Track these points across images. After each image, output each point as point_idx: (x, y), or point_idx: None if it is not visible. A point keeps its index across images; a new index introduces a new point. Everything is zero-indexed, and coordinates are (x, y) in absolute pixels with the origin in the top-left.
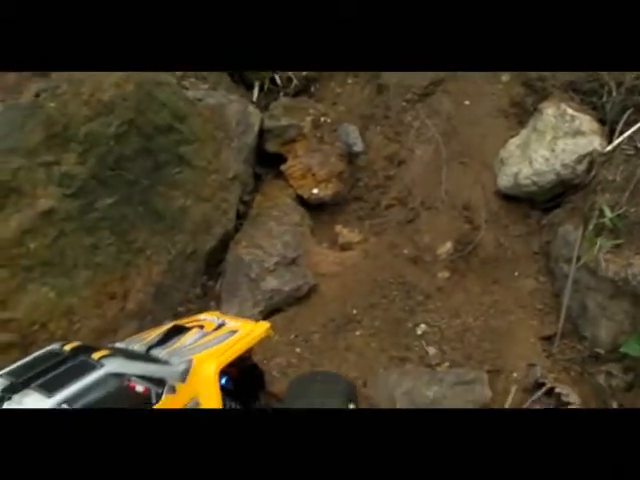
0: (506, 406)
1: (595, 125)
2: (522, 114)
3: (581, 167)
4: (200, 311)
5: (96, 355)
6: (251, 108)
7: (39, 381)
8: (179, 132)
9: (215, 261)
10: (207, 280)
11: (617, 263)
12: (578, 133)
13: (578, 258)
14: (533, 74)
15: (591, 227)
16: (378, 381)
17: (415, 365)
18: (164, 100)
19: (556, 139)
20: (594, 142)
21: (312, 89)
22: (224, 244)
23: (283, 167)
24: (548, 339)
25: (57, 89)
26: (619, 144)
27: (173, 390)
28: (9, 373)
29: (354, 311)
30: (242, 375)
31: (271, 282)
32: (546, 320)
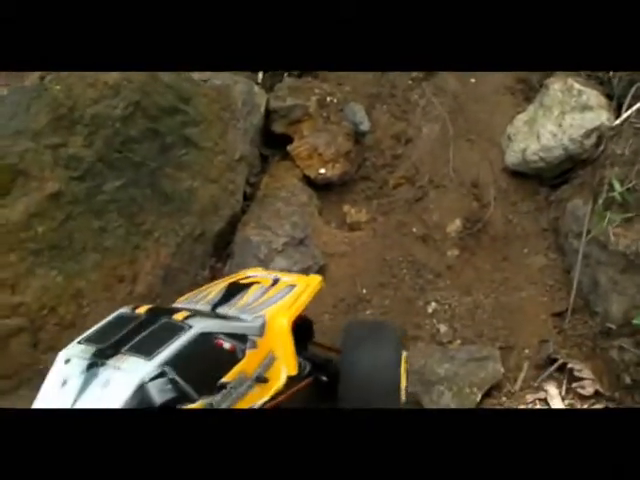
0: (519, 382)
1: (602, 100)
2: (528, 90)
3: (589, 142)
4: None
5: (178, 316)
6: (256, 89)
7: (129, 345)
8: (185, 113)
9: (223, 243)
10: (215, 262)
11: (627, 237)
12: (585, 108)
13: (588, 233)
14: None
15: (600, 201)
16: None
17: (426, 343)
18: (169, 81)
19: (563, 114)
20: (602, 116)
21: None
22: (232, 226)
23: (289, 148)
24: (559, 315)
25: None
26: (627, 118)
27: (254, 345)
28: (88, 340)
29: (364, 290)
30: (293, 326)
31: (280, 263)
32: (557, 296)
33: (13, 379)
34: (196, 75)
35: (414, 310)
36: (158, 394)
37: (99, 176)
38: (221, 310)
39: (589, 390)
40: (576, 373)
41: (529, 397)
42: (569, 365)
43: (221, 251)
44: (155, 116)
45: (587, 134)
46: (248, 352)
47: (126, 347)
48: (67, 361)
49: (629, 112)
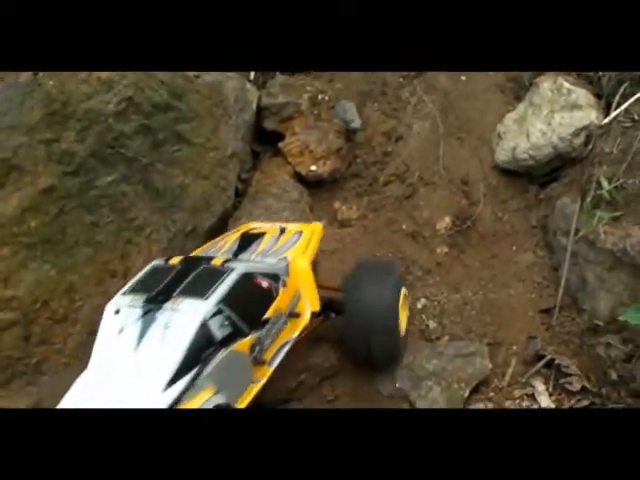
0: (507, 378)
1: (592, 99)
2: (519, 89)
3: (578, 140)
4: None
5: (216, 262)
6: (249, 85)
7: (179, 290)
8: (177, 109)
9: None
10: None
11: (615, 234)
12: (575, 107)
13: (576, 231)
14: None
15: (589, 199)
16: None
17: (416, 339)
18: (162, 77)
19: (553, 113)
20: (591, 115)
21: None
22: (223, 222)
23: (281, 144)
24: (547, 312)
25: None
26: (616, 117)
27: (285, 284)
28: (132, 291)
29: None
30: None
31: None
32: (545, 293)
33: (5, 372)
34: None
35: None
36: (218, 330)
37: (92, 171)
38: (243, 257)
39: (576, 386)
40: (563, 369)
41: (517, 393)
42: (556, 361)
43: None
44: (148, 112)
45: (576, 133)
46: (281, 290)
47: (176, 292)
48: (117, 312)
49: (618, 111)
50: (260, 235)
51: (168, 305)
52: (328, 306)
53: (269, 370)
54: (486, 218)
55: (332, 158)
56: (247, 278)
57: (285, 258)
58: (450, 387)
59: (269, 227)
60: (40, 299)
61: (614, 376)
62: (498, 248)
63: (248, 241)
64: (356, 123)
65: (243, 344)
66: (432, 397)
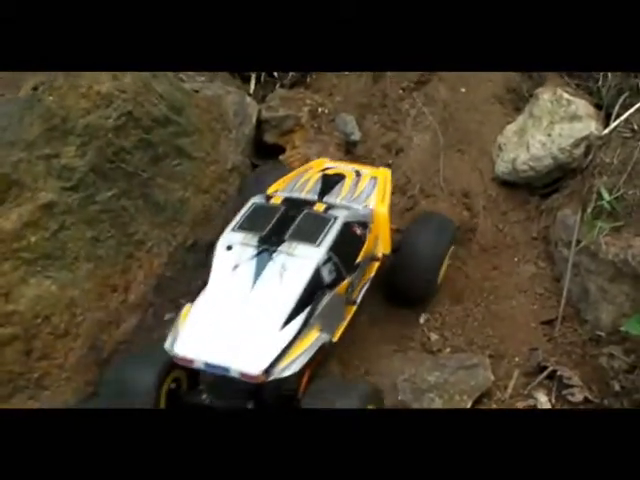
0: (509, 390)
1: (591, 109)
2: (518, 100)
3: (578, 151)
4: None
5: (318, 207)
6: (248, 99)
7: (290, 233)
8: (177, 124)
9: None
10: (208, 272)
11: (617, 245)
12: (574, 117)
13: (577, 242)
14: None
15: (590, 210)
16: (381, 369)
17: (417, 352)
18: (161, 92)
19: (553, 124)
20: (591, 126)
21: (309, 80)
22: None
23: (281, 157)
24: (549, 323)
25: (55, 82)
26: (616, 127)
27: (370, 230)
28: (242, 227)
29: None
30: None
31: None
32: (547, 304)
33: (7, 387)
34: (188, 85)
35: (405, 319)
36: (327, 275)
37: (92, 186)
38: (328, 199)
39: (578, 397)
40: (565, 380)
41: (519, 404)
42: (559, 372)
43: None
44: (148, 126)
45: (576, 143)
46: (368, 236)
47: (287, 235)
48: (229, 247)
49: (617, 121)
50: (340, 177)
51: (283, 248)
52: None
53: (354, 308)
54: (487, 230)
55: None
56: (347, 226)
57: (368, 205)
58: (452, 399)
59: (344, 168)
60: (41, 314)
61: (617, 387)
62: (499, 260)
63: (329, 184)
64: (356, 136)
65: (342, 287)
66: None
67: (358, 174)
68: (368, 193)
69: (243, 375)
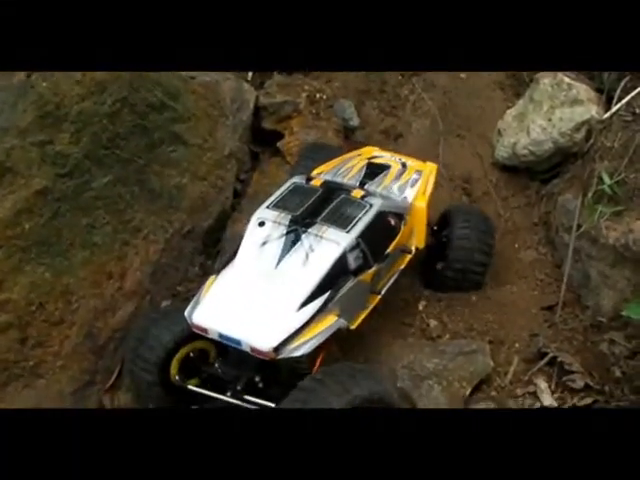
0: (509, 376)
1: (592, 93)
2: (518, 85)
3: (579, 135)
4: (198, 288)
5: (356, 194)
6: (246, 85)
7: (321, 216)
8: (173, 110)
9: (213, 240)
10: (205, 259)
11: (618, 230)
12: (575, 102)
13: (578, 227)
14: None
15: (590, 195)
16: (380, 356)
17: (416, 338)
18: (157, 77)
19: (553, 108)
20: (591, 110)
21: None
22: (221, 223)
23: (280, 144)
24: (550, 309)
25: None
26: (617, 111)
27: (405, 222)
28: (276, 206)
29: None
30: None
31: None
32: (547, 290)
33: (2, 375)
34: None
35: (404, 305)
36: (354, 261)
37: (87, 173)
38: (369, 188)
39: (579, 384)
40: (566, 367)
41: (519, 391)
42: (559, 359)
43: (210, 248)
44: (143, 112)
45: (577, 128)
46: (402, 228)
47: (320, 218)
48: (261, 224)
49: (618, 105)
50: (385, 167)
51: (313, 230)
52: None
53: (377, 297)
54: (488, 215)
55: None
56: (381, 215)
57: (408, 197)
58: (451, 386)
59: (391, 158)
60: (36, 302)
61: (618, 373)
62: (500, 245)
63: (374, 172)
64: (355, 122)
65: (368, 275)
66: (433, 396)
67: (404, 166)
68: (410, 185)
69: (253, 350)
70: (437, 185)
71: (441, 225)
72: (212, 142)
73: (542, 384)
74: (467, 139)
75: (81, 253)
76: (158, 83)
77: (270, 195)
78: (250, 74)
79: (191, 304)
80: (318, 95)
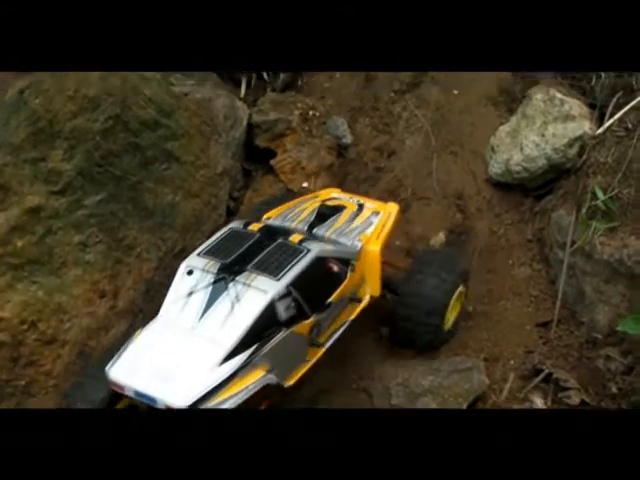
0: (504, 393)
1: (585, 109)
2: (511, 101)
3: (572, 151)
4: None
5: (293, 239)
6: (239, 103)
7: (253, 263)
8: (166, 127)
9: None
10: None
11: (612, 245)
12: (568, 117)
13: (572, 243)
14: None
15: (584, 211)
16: (373, 373)
17: (411, 356)
18: (150, 95)
19: (546, 124)
20: (584, 126)
21: (299, 83)
22: None
23: (272, 162)
24: (545, 325)
25: (41, 85)
26: (610, 126)
27: (353, 269)
28: (207, 253)
29: None
30: None
31: None
32: (542, 307)
33: None
34: (177, 88)
35: None
36: (284, 311)
37: (79, 190)
38: (318, 231)
39: (575, 400)
40: (562, 383)
41: (515, 408)
42: (555, 375)
43: None
44: (136, 130)
45: (570, 143)
46: (349, 275)
47: (250, 265)
48: (190, 272)
49: (611, 121)
50: (338, 209)
51: (241, 278)
52: (385, 286)
53: (321, 351)
54: (481, 232)
55: (323, 174)
56: (320, 261)
57: (359, 242)
58: (447, 403)
59: (348, 200)
60: (28, 320)
61: (614, 389)
62: (494, 262)
63: (325, 214)
64: (348, 139)
65: (304, 326)
66: None
67: (361, 207)
68: (364, 228)
69: (168, 408)
70: (429, 202)
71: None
72: (205, 159)
73: (538, 401)
74: (460, 155)
75: (74, 271)
76: (151, 100)
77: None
78: (243, 91)
79: (113, 359)
80: (311, 112)
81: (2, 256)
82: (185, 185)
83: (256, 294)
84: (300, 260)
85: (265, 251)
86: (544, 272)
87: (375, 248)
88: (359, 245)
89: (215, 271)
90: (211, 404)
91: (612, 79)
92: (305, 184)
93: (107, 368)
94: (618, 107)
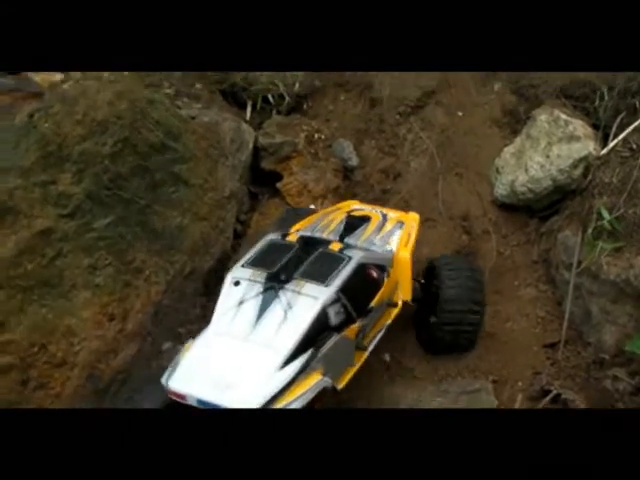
0: None
1: (589, 130)
2: (515, 123)
3: (577, 172)
4: (199, 330)
5: (334, 247)
6: (245, 126)
7: (299, 272)
8: (174, 150)
9: (214, 281)
10: (207, 301)
11: (618, 265)
12: (572, 138)
13: (579, 263)
14: (525, 82)
15: (590, 231)
16: (383, 395)
17: (418, 379)
18: (158, 118)
19: (551, 145)
20: (589, 146)
21: (305, 106)
22: (222, 264)
23: (279, 185)
24: (552, 346)
25: (51, 109)
26: (614, 147)
27: (389, 275)
28: (253, 263)
29: None
30: None
31: None
32: (549, 328)
33: None
34: (184, 112)
35: (406, 342)
36: (334, 316)
37: (88, 213)
38: (349, 241)
39: None
40: (570, 404)
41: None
42: (563, 396)
43: (212, 289)
44: (144, 153)
45: (575, 164)
46: (386, 281)
47: (297, 273)
48: (236, 283)
49: (615, 141)
50: (365, 219)
51: (290, 286)
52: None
53: (365, 354)
54: (487, 253)
55: (330, 197)
56: (362, 268)
57: (390, 249)
58: None
59: (371, 211)
60: (38, 342)
61: None
62: (500, 283)
63: (353, 225)
64: (354, 161)
65: (351, 330)
66: None
67: (385, 217)
68: (391, 236)
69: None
70: (435, 224)
71: (428, 277)
72: (213, 182)
73: None
74: (465, 177)
75: (83, 294)
76: (159, 123)
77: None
78: (249, 114)
79: (168, 370)
80: (316, 135)
81: (12, 278)
82: (193, 208)
83: (308, 300)
84: (345, 267)
85: (308, 260)
86: (550, 293)
87: (406, 254)
88: (391, 253)
89: (263, 280)
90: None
91: (615, 100)
92: (312, 206)
93: (163, 380)
94: (622, 128)
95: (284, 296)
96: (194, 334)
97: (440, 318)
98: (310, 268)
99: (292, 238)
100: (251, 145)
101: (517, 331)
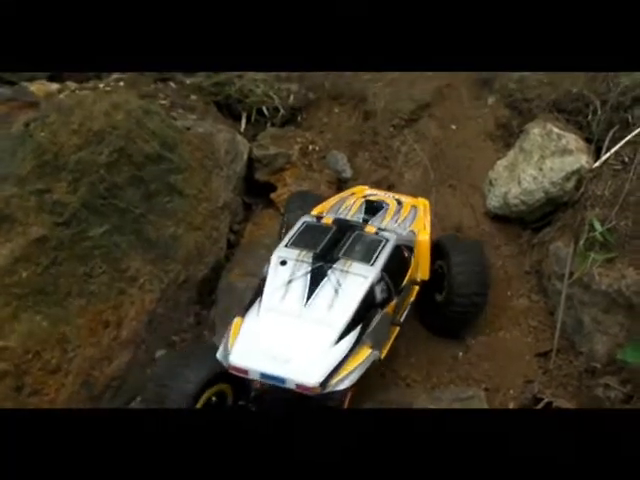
0: None
1: (581, 143)
2: (508, 136)
3: (569, 184)
4: (193, 339)
5: (369, 229)
6: (239, 137)
7: (343, 251)
8: (169, 161)
9: (208, 290)
10: (200, 309)
11: (610, 276)
12: (565, 151)
13: (571, 274)
14: (518, 95)
15: (582, 242)
16: (374, 403)
17: (411, 386)
18: (153, 128)
19: (543, 158)
20: (581, 159)
21: (299, 119)
22: (216, 273)
23: (273, 195)
24: (544, 355)
25: (47, 118)
26: (606, 160)
27: (414, 255)
28: (295, 244)
29: None
30: None
31: None
32: (541, 337)
33: None
34: (179, 122)
35: (398, 350)
36: (380, 294)
37: (84, 222)
38: (373, 224)
39: None
40: None
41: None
42: (554, 404)
43: (206, 298)
44: (140, 163)
45: (567, 177)
46: (412, 260)
47: (341, 253)
48: (283, 262)
49: (608, 154)
50: (382, 204)
51: (338, 265)
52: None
53: (397, 328)
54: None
55: None
56: (397, 249)
57: (413, 231)
58: None
59: (385, 195)
60: (32, 350)
61: None
62: (493, 294)
63: (373, 209)
64: (347, 173)
65: (391, 307)
66: None
67: (399, 202)
68: (410, 220)
69: (299, 386)
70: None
71: (434, 257)
72: (207, 193)
73: None
74: (458, 189)
75: (78, 302)
76: (155, 134)
77: (284, 237)
78: (243, 125)
79: (221, 347)
80: (310, 147)
81: (7, 286)
82: (187, 218)
83: (357, 279)
84: (384, 248)
85: (348, 241)
86: (543, 303)
87: (426, 237)
88: (414, 234)
89: (310, 260)
90: (334, 380)
91: (608, 114)
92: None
93: (220, 356)
94: (614, 141)
95: (333, 275)
96: (188, 342)
97: (449, 301)
98: (352, 249)
99: (327, 221)
100: (245, 156)
101: (509, 340)
